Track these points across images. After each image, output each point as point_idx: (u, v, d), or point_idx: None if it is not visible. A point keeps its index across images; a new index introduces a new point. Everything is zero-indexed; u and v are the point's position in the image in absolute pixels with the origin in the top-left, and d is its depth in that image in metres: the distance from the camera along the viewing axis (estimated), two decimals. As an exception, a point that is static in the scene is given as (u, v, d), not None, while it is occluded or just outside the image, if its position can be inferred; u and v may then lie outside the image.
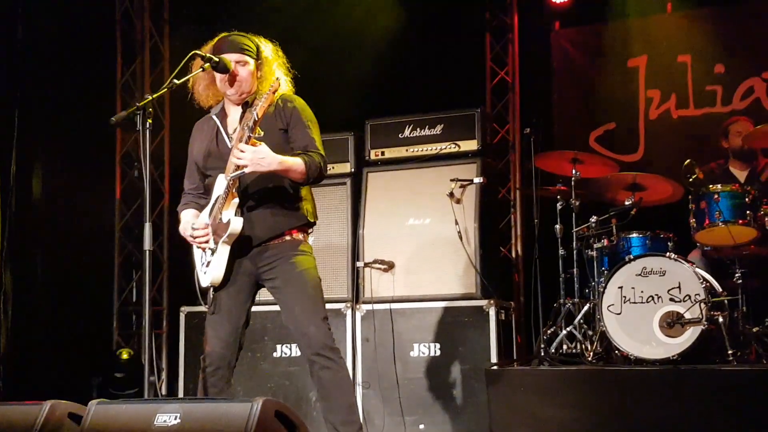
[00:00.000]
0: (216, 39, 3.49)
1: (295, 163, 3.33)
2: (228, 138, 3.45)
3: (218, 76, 3.43)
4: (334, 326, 3.60)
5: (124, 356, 6.17)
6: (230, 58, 3.40)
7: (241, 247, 3.38)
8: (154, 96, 3.23)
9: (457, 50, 6.43)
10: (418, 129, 5.42)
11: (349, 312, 5.16)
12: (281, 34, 3.68)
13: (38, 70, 5.99)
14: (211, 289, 3.43)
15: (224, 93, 3.48)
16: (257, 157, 3.23)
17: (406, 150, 5.42)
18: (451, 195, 5.12)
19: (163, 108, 6.69)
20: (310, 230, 3.54)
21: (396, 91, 6.34)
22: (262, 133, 3.25)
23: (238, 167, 3.26)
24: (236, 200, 3.34)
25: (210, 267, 3.38)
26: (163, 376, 6.51)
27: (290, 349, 5.18)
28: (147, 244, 3.15)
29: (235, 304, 3.43)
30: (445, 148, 5.32)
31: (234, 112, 3.51)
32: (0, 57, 5.79)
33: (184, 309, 5.44)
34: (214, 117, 3.53)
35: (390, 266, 5.21)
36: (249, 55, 3.44)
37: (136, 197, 6.64)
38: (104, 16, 6.68)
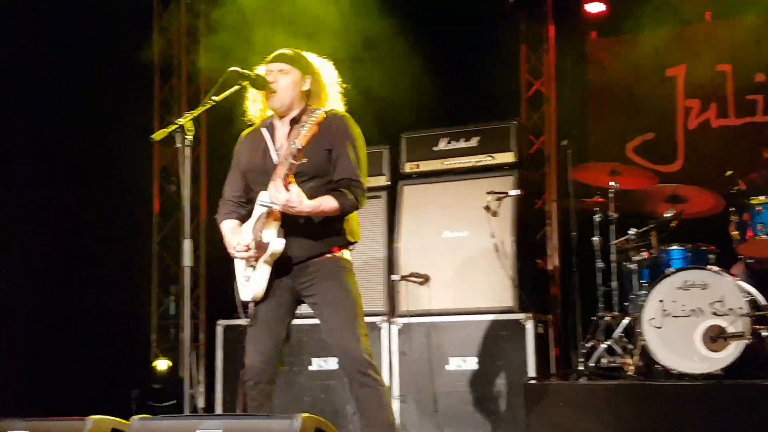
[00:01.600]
0: (271, 56, 3.49)
1: (327, 205, 3.32)
2: (275, 153, 3.44)
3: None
4: (370, 340, 3.58)
5: (162, 367, 6.22)
6: (273, 67, 3.42)
7: (281, 265, 3.38)
8: (194, 113, 3.25)
9: (492, 62, 6.39)
10: (453, 141, 5.41)
11: (385, 325, 5.15)
12: (315, 48, 3.69)
13: (76, 87, 6.08)
14: (252, 302, 3.44)
15: (270, 107, 3.49)
16: (288, 205, 3.24)
17: (442, 163, 5.42)
18: (487, 208, 5.10)
19: (200, 124, 6.76)
20: (351, 247, 3.53)
21: (431, 104, 6.32)
22: (305, 160, 3.22)
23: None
24: (278, 220, 3.34)
25: (250, 282, 3.39)
26: (201, 389, 6.55)
27: (326, 362, 5.18)
28: (186, 260, 3.16)
29: (274, 318, 3.43)
30: (481, 161, 5.31)
31: (282, 126, 3.49)
32: (39, 73, 5.90)
33: (222, 323, 5.48)
34: (264, 130, 3.52)
35: (426, 279, 5.19)
36: (294, 66, 3.43)
37: (173, 211, 6.71)
38: (142, 33, 6.78)
